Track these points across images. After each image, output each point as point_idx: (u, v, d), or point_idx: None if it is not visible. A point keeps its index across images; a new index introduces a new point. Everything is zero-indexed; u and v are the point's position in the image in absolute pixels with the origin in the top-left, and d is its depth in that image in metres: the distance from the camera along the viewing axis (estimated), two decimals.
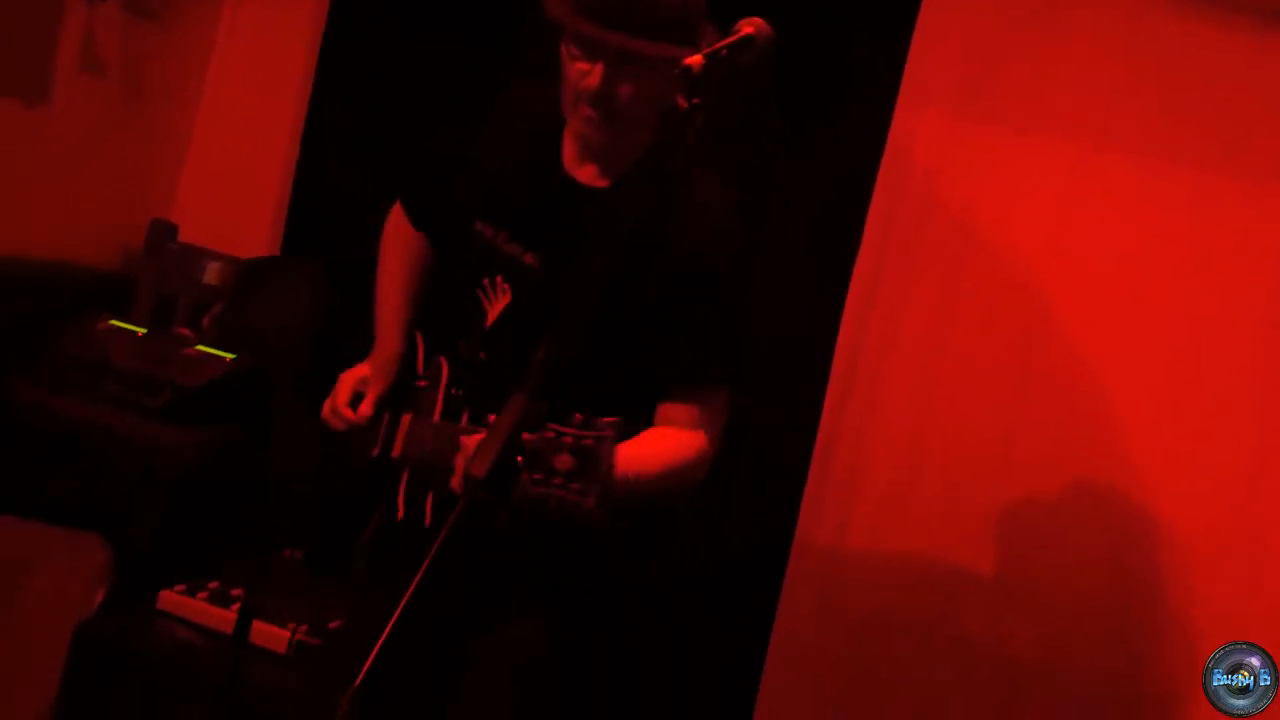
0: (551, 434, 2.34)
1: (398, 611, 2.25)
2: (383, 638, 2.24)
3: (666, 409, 2.85)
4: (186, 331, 4.48)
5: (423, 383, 3.07)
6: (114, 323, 4.35)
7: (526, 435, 2.37)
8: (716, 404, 2.88)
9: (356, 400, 3.10)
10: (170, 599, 4.06)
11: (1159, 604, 4.27)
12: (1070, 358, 4.37)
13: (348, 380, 3.12)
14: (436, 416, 2.97)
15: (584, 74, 2.72)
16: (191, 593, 4.08)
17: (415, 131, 4.39)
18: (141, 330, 4.37)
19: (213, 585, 4.12)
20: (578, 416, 2.37)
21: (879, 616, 4.48)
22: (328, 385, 3.16)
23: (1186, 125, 4.29)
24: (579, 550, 2.84)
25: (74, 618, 3.99)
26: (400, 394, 3.11)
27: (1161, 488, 4.27)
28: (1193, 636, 4.22)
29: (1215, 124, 4.26)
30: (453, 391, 2.99)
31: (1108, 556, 4.33)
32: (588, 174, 2.91)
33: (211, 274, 4.60)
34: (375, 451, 3.08)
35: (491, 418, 2.44)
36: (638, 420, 2.81)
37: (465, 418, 2.92)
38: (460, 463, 2.66)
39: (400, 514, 2.98)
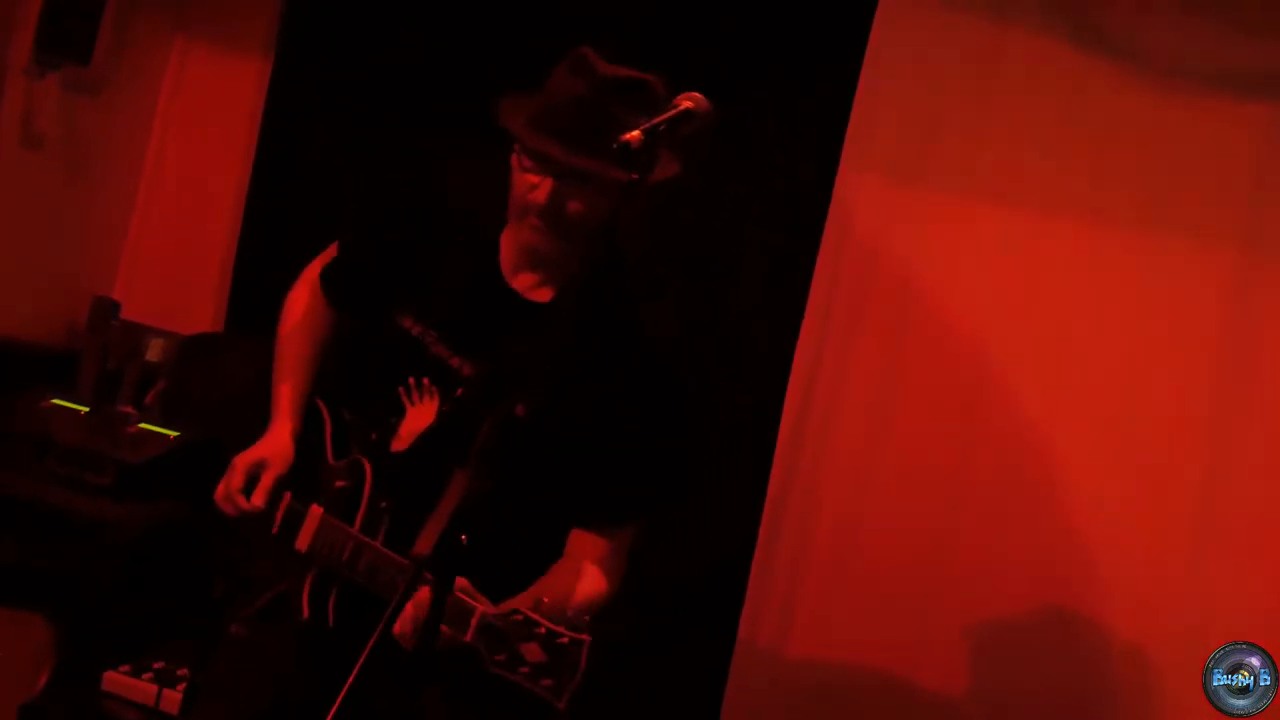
0: (520, 618, 2.34)
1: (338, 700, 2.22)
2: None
3: (581, 538, 2.85)
4: (129, 409, 4.46)
5: (341, 483, 2.95)
6: (57, 401, 4.33)
7: (488, 610, 2.38)
8: (624, 537, 2.88)
9: (251, 485, 2.96)
10: (115, 680, 4.03)
11: (1105, 633, 4.28)
12: (1014, 412, 4.40)
13: (240, 464, 2.98)
14: (357, 526, 2.86)
15: (532, 187, 2.73)
16: (136, 673, 4.05)
17: (358, 206, 4.39)
18: (84, 409, 4.34)
19: (158, 665, 4.08)
20: (545, 599, 2.37)
21: (824, 706, 4.48)
22: None
23: (1120, 186, 4.35)
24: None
25: (18, 698, 3.95)
26: (302, 477, 2.99)
27: (1109, 550, 4.29)
28: (1142, 666, 4.24)
29: (1149, 185, 4.32)
30: (380, 504, 2.88)
31: (1051, 583, 4.35)
32: (525, 282, 2.90)
33: (154, 351, 4.58)
34: (274, 531, 2.96)
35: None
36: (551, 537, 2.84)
37: (383, 533, 2.83)
38: (408, 612, 2.57)
39: (305, 614, 2.88)
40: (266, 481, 2.96)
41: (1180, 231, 4.29)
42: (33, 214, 4.78)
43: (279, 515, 2.95)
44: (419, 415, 2.93)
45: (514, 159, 2.78)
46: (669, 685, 4.55)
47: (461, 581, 2.57)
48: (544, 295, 2.89)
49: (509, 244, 2.91)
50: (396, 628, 2.58)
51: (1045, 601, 4.36)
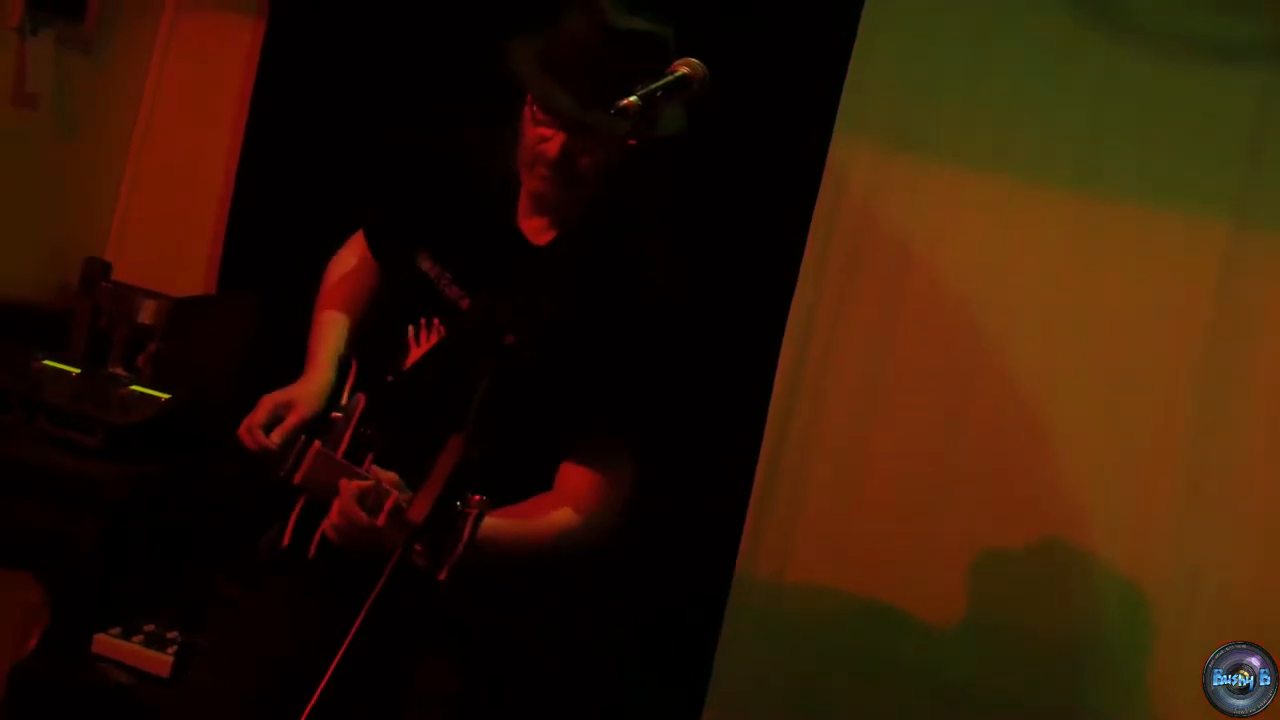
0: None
1: (335, 662, 2.24)
2: (321, 686, 2.23)
3: (565, 470, 2.88)
4: (121, 371, 4.45)
5: (337, 415, 3.01)
6: (48, 362, 4.31)
7: (402, 497, 2.45)
8: (615, 473, 2.90)
9: (274, 423, 3.00)
10: (106, 642, 4.02)
11: (1096, 633, 4.29)
12: (1007, 385, 4.41)
13: (268, 403, 3.02)
14: (340, 452, 2.91)
15: (543, 139, 2.75)
16: (127, 635, 4.04)
17: (351, 167, 4.37)
18: (76, 370, 4.32)
19: (148, 628, 4.08)
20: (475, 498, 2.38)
21: (819, 652, 4.49)
22: None
23: (1115, 155, 4.35)
24: (494, 595, 2.86)
25: (9, 658, 3.95)
26: (320, 422, 3.04)
27: (1098, 516, 4.31)
28: (1132, 663, 4.25)
29: (1144, 154, 4.33)
30: (363, 430, 2.94)
31: (1045, 586, 4.37)
32: (536, 226, 2.93)
33: (146, 313, 4.56)
34: (281, 474, 3.00)
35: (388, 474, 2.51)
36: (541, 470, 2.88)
37: (369, 459, 2.87)
38: (335, 507, 2.68)
39: (285, 541, 2.93)
40: (288, 423, 2.99)
41: (1176, 200, 4.30)
42: (25, 173, 4.76)
43: (292, 457, 2.98)
44: (421, 353, 2.98)
45: (526, 111, 2.79)
46: (666, 622, 4.57)
47: (392, 476, 2.66)
48: (546, 239, 2.93)
49: (524, 189, 2.93)
50: (326, 523, 2.72)
51: (1035, 556, 4.39)
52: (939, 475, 4.44)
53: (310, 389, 3.08)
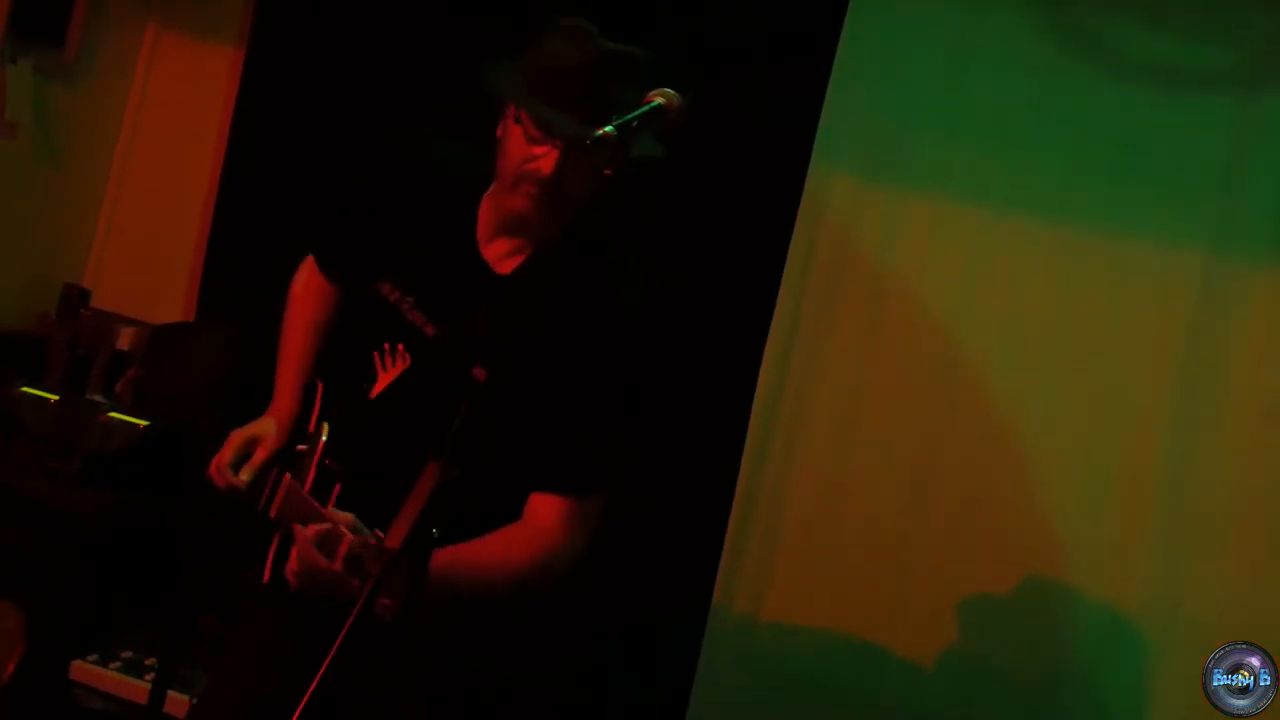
0: (374, 541, 2.43)
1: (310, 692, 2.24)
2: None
3: (537, 501, 2.86)
4: (100, 398, 4.45)
5: (302, 447, 2.99)
6: (26, 389, 4.31)
7: (355, 540, 2.47)
8: (583, 503, 2.88)
9: (242, 460, 3.01)
10: (83, 669, 4.02)
11: (1075, 662, 4.30)
12: (985, 414, 4.41)
13: (235, 439, 3.03)
14: (308, 487, 2.88)
15: (535, 157, 2.74)
16: (104, 662, 4.04)
17: (330, 195, 4.37)
18: (54, 397, 4.32)
19: (126, 655, 4.08)
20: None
21: (797, 678, 4.49)
22: None
23: (1090, 181, 4.36)
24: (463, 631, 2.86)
25: None
26: (290, 453, 3.03)
27: (1076, 545, 4.31)
28: (1112, 692, 4.26)
29: (1119, 179, 4.33)
30: (327, 463, 2.91)
31: (1023, 610, 4.36)
32: (498, 250, 2.92)
33: (125, 340, 4.58)
34: (259, 507, 2.99)
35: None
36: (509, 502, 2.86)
37: (336, 490, 2.86)
38: (293, 553, 2.67)
39: (266, 578, 2.91)
40: (256, 460, 3.00)
41: (1151, 228, 4.30)
42: (4, 201, 4.76)
43: (267, 490, 2.98)
44: (388, 380, 2.96)
45: (511, 123, 2.78)
46: (641, 655, 4.56)
47: (348, 518, 2.66)
48: (509, 265, 2.91)
49: (488, 210, 2.93)
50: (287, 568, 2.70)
51: (1014, 585, 4.39)
52: (917, 504, 4.43)
53: (275, 421, 3.08)
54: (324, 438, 2.95)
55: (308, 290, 3.27)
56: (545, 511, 2.85)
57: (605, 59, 2.73)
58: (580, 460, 2.87)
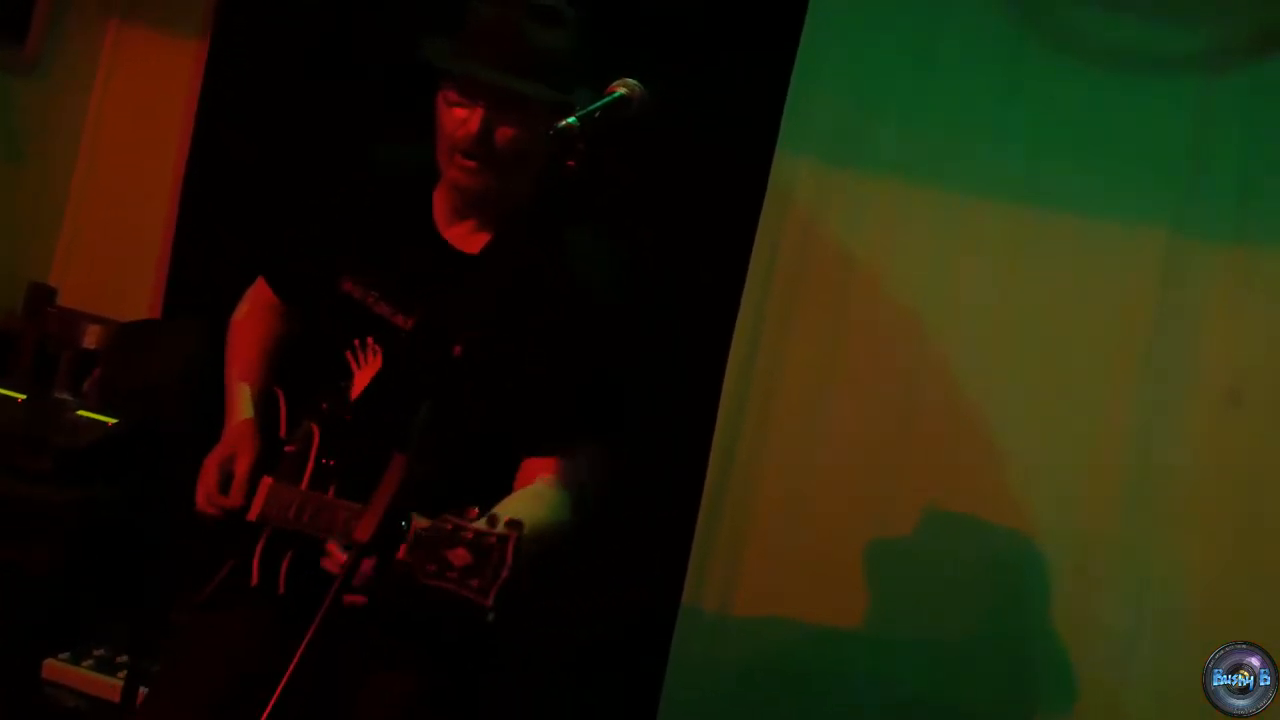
0: (449, 526, 2.33)
1: (285, 678, 2.24)
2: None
3: (529, 466, 2.86)
4: (67, 395, 4.44)
5: (291, 448, 2.97)
6: None
7: (420, 523, 2.35)
8: (585, 461, 2.88)
9: (226, 480, 2.97)
10: (55, 667, 4.01)
11: (1048, 643, 4.32)
12: (953, 398, 4.42)
13: (211, 465, 2.98)
14: (304, 485, 2.88)
15: (462, 121, 2.75)
16: (76, 660, 4.03)
17: (295, 189, 4.36)
18: (21, 396, 4.31)
19: (98, 652, 4.07)
20: (472, 511, 2.35)
21: (767, 675, 4.50)
22: (210, 444, 3.05)
23: (1056, 166, 4.37)
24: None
25: None
26: (266, 457, 3.00)
27: (1046, 526, 4.33)
28: (1084, 671, 4.28)
29: (1084, 164, 4.35)
30: (324, 461, 2.90)
31: (992, 599, 4.39)
32: (460, 232, 2.92)
33: (91, 337, 4.56)
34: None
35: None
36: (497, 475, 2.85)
37: (333, 489, 2.86)
38: (336, 544, 2.65)
39: (255, 580, 2.90)
40: (240, 474, 2.96)
41: (1116, 210, 4.32)
42: None
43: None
44: (366, 376, 2.96)
45: (440, 100, 2.80)
46: (611, 653, 4.57)
47: None
48: (476, 244, 2.91)
49: (442, 196, 2.94)
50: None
51: (983, 573, 4.41)
52: (886, 488, 4.45)
53: (241, 430, 3.04)
54: (317, 438, 2.93)
55: (251, 315, 3.24)
56: (535, 476, 2.85)
57: (525, 11, 2.74)
58: (562, 415, 2.86)
